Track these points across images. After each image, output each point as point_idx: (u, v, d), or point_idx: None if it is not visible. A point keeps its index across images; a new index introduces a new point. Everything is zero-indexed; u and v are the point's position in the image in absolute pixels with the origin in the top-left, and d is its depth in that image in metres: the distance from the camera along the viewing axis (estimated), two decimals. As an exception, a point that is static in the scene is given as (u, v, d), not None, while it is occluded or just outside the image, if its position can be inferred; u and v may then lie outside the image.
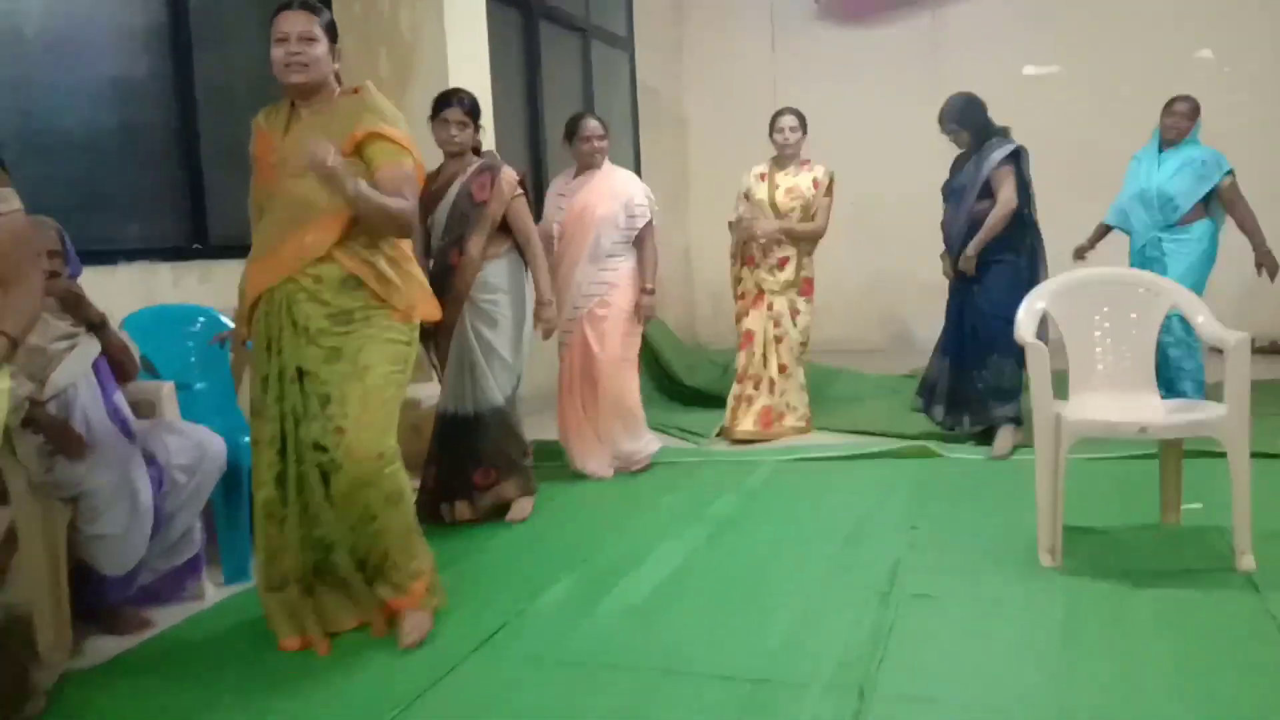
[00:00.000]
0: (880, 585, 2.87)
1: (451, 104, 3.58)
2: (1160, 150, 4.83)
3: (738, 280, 5.00)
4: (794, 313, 4.87)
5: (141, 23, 3.74)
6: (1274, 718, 2.07)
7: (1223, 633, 2.46)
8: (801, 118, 4.91)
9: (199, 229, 3.86)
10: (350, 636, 2.67)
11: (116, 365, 2.87)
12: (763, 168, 4.96)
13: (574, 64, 6.84)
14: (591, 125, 4.20)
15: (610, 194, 4.17)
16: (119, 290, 3.38)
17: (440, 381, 3.71)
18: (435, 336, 3.59)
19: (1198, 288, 4.56)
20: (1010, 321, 4.26)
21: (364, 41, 4.61)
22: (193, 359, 3.44)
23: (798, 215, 4.81)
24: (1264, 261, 4.74)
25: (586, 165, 4.23)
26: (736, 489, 4.02)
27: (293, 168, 2.48)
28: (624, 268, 4.20)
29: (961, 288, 4.50)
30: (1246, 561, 2.81)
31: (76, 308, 2.75)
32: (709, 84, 8.30)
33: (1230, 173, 4.68)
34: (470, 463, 3.63)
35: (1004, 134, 4.43)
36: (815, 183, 4.84)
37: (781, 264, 4.87)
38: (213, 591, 3.05)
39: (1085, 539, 3.12)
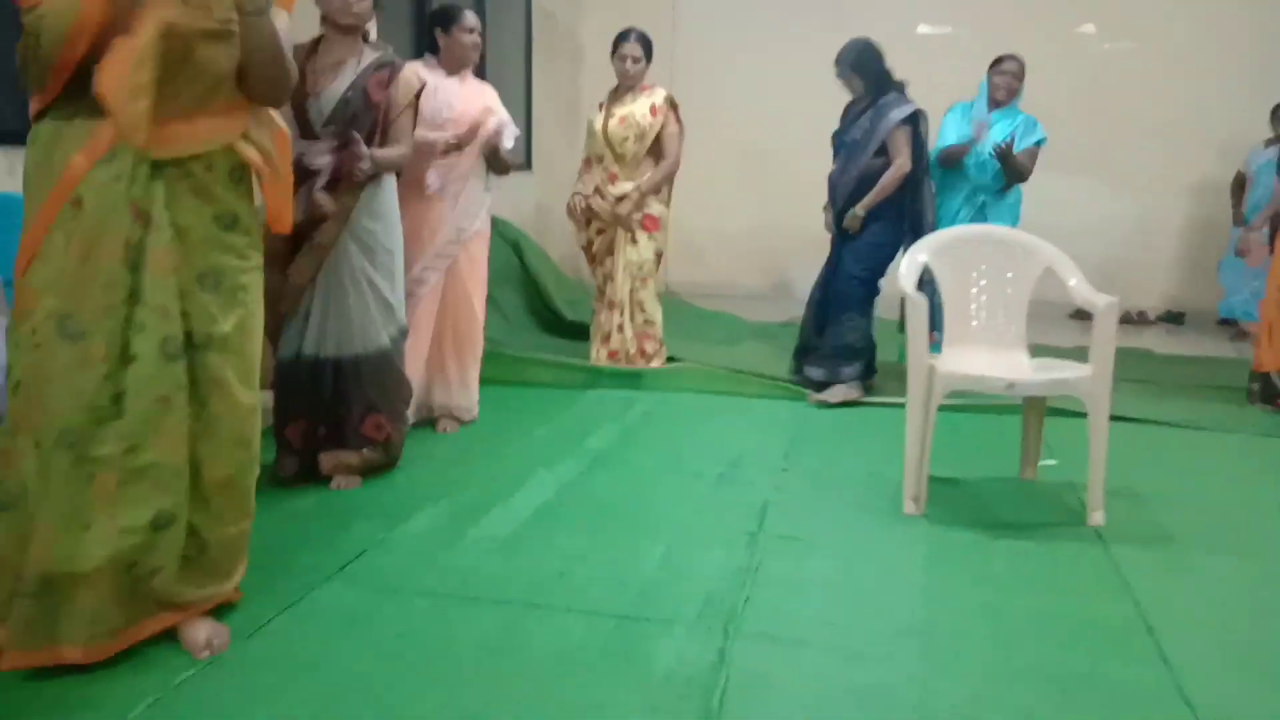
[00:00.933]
0: (749, 526, 2.87)
1: None
2: (988, 110, 4.79)
3: (589, 244, 4.74)
4: (632, 244, 4.62)
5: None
6: (1112, 658, 2.16)
7: (1072, 582, 2.56)
8: (647, 44, 4.52)
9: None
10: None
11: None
12: (603, 98, 4.68)
13: (468, -22, 6.52)
14: (472, 18, 3.75)
15: (496, 106, 3.80)
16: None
17: (285, 316, 3.07)
18: (286, 258, 3.01)
19: None
20: (868, 282, 4.40)
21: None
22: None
23: (631, 144, 4.49)
24: None
25: (463, 62, 3.74)
26: (613, 422, 3.97)
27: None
28: (485, 211, 3.86)
29: (840, 243, 4.50)
30: (1097, 518, 2.93)
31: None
32: (607, 14, 8.05)
33: (1040, 142, 4.74)
34: (353, 409, 3.10)
35: (901, 89, 4.38)
36: (653, 109, 4.49)
37: (619, 201, 4.58)
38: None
39: (948, 489, 3.20)
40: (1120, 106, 7.10)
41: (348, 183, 3.00)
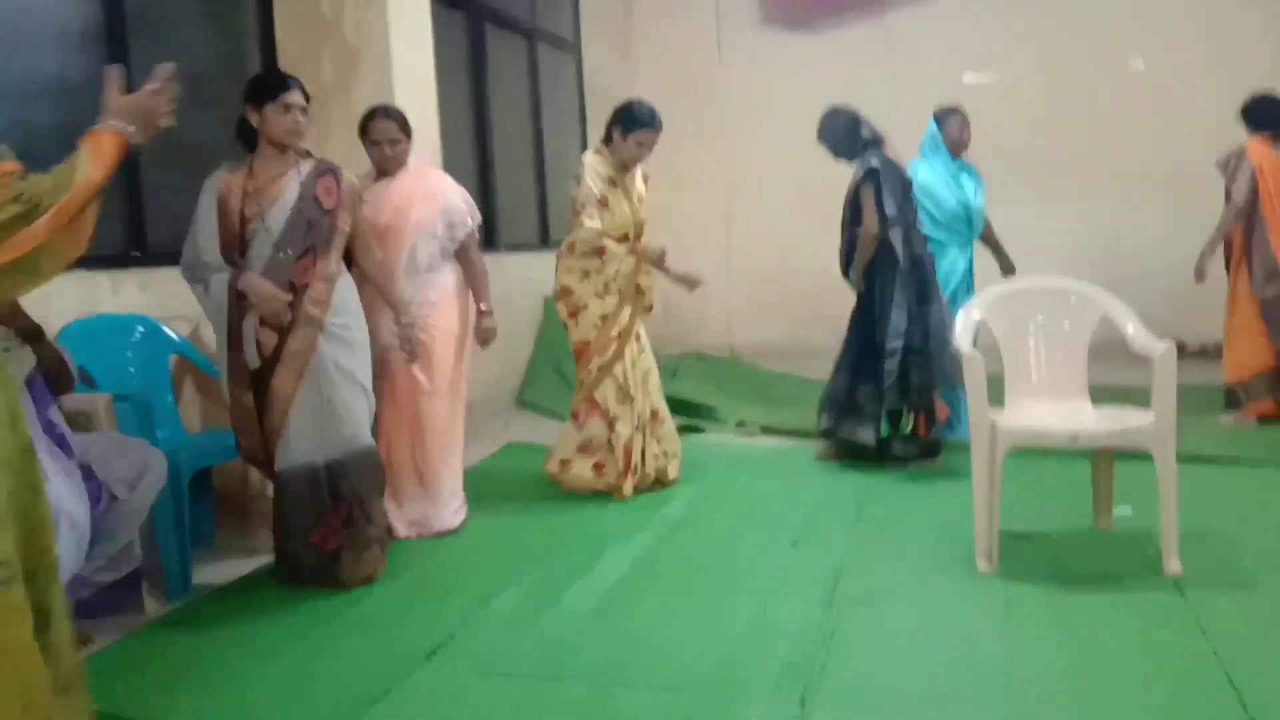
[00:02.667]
0: (823, 589, 2.93)
1: (290, 87, 3.06)
2: (950, 161, 4.72)
3: (604, 319, 4.00)
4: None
5: (77, 22, 3.65)
6: (1192, 711, 2.16)
7: (1150, 634, 2.56)
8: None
9: (138, 235, 3.79)
10: (298, 647, 2.66)
11: (52, 378, 2.80)
12: (606, 168, 4.04)
13: (520, 67, 6.82)
14: (382, 126, 3.59)
15: (424, 198, 3.61)
16: (56, 299, 3.30)
17: (267, 430, 3.06)
18: (270, 372, 3.01)
19: None
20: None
21: (307, 43, 4.55)
22: (132, 369, 3.38)
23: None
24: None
25: (383, 171, 3.65)
26: (687, 491, 4.06)
27: None
28: (446, 283, 3.65)
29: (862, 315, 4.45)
30: (1173, 566, 2.91)
31: (11, 319, 2.68)
32: (657, 86, 8.28)
33: None
34: (358, 508, 3.12)
35: (872, 147, 4.34)
36: (647, 181, 4.26)
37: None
38: (154, 606, 3.01)
39: (1021, 544, 3.21)
40: (1178, 136, 7.05)
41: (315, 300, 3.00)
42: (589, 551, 3.35)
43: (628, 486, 3.98)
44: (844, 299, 6.43)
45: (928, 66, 7.38)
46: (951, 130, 4.70)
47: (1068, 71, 7.20)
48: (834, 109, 4.48)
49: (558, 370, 6.02)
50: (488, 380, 5.70)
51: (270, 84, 3.08)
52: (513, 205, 6.41)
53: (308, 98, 3.10)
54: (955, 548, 3.17)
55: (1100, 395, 3.29)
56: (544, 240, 6.83)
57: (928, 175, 4.66)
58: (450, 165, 5.00)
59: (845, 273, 4.44)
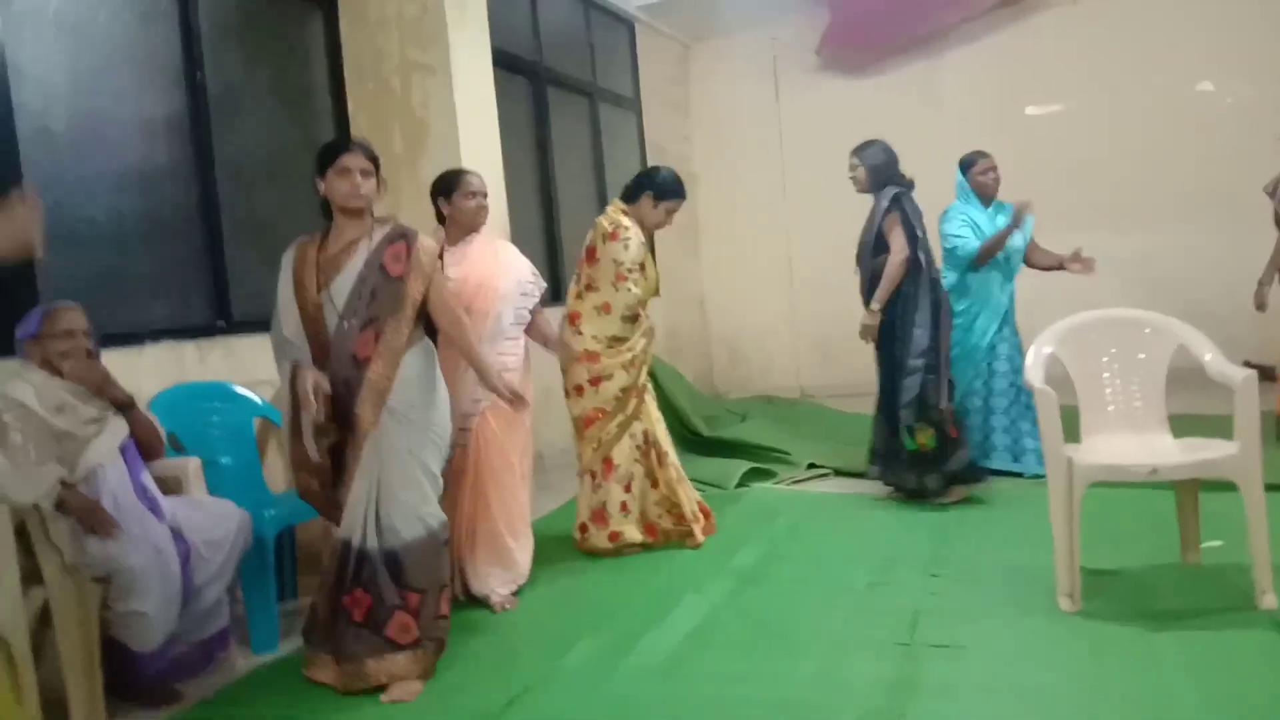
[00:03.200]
0: (901, 635, 2.88)
1: (347, 150, 2.90)
2: (985, 207, 4.75)
3: (625, 391, 3.96)
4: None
5: (163, 112, 3.89)
6: (1298, 759, 2.07)
7: (1247, 674, 2.46)
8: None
9: (222, 307, 3.98)
10: (374, 706, 2.71)
11: (144, 444, 2.96)
12: (637, 232, 4.04)
13: (583, 127, 7.00)
14: (476, 180, 3.61)
15: (505, 266, 3.60)
16: (147, 370, 3.48)
17: (333, 506, 2.90)
18: (338, 450, 2.86)
19: None
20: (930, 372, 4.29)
21: (377, 119, 4.76)
22: (217, 434, 3.52)
23: None
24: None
25: (469, 228, 3.59)
26: (758, 538, 4.04)
27: None
28: (520, 352, 3.61)
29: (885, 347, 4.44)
30: (1268, 600, 2.80)
31: (104, 390, 2.84)
32: (716, 139, 8.45)
33: None
34: (406, 600, 2.84)
35: (904, 183, 4.41)
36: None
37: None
38: (242, 662, 3.10)
39: (1105, 581, 3.12)
40: (1250, 156, 6.88)
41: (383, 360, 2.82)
42: (660, 604, 3.34)
43: (699, 533, 4.01)
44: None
45: (980, 106, 7.37)
46: (978, 176, 4.73)
47: (1122, 103, 7.10)
48: (882, 142, 4.53)
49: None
50: (557, 432, 5.78)
51: (329, 149, 2.93)
52: (578, 259, 6.53)
53: (375, 161, 2.93)
54: (1036, 588, 3.10)
55: (1177, 425, 3.21)
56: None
57: (965, 218, 4.70)
58: (517, 223, 5.15)
59: (867, 303, 4.45)
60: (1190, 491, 3.21)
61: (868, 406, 6.60)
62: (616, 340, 3.94)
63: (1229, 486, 2.83)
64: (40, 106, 3.39)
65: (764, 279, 8.25)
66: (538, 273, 3.72)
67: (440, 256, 2.98)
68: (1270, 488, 2.88)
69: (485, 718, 2.57)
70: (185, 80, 3.95)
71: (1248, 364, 5.06)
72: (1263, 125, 6.82)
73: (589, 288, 4.00)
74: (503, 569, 3.51)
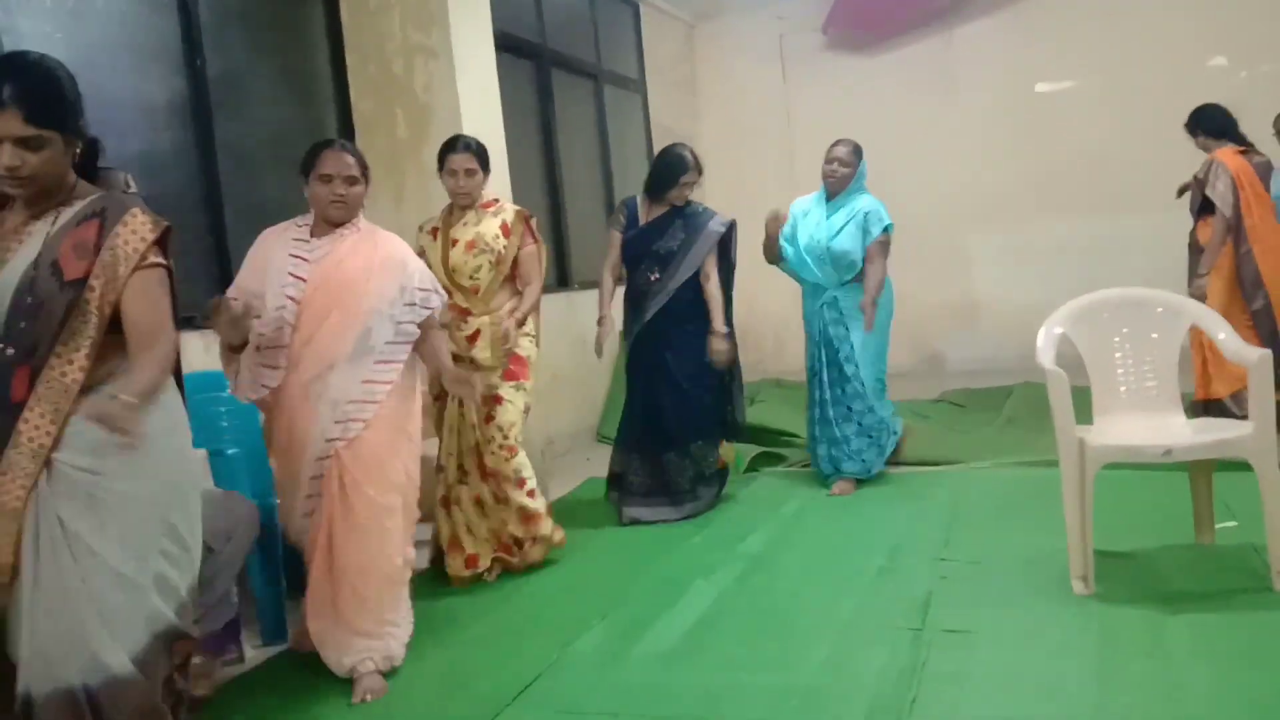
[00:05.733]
0: (912, 620, 2.86)
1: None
2: (827, 200, 4.43)
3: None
4: (495, 401, 3.55)
5: (164, 98, 3.86)
6: (1315, 744, 2.04)
7: (1262, 657, 2.43)
8: (480, 153, 3.61)
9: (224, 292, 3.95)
10: (392, 682, 2.71)
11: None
12: (435, 221, 3.71)
13: (587, 109, 6.95)
14: (334, 159, 2.84)
15: (382, 265, 2.84)
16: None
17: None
18: None
19: (883, 346, 4.44)
20: (709, 394, 4.16)
21: (380, 105, 4.72)
22: (224, 424, 3.50)
23: (485, 274, 3.58)
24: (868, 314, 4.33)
25: (334, 218, 2.86)
26: (768, 523, 4.02)
27: None
28: (394, 379, 2.81)
29: (646, 363, 4.21)
30: (1283, 581, 2.78)
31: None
32: (723, 119, 8.39)
33: (887, 229, 4.32)
34: None
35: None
36: (505, 228, 3.62)
37: (472, 340, 3.57)
38: (251, 652, 3.10)
39: (1119, 563, 3.10)
40: (1265, 134, 6.80)
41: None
42: (671, 588, 3.33)
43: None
44: (916, 318, 6.28)
45: (990, 84, 7.29)
46: (822, 169, 4.42)
47: (1135, 80, 7.02)
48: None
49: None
50: (567, 416, 5.76)
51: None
52: (584, 243, 6.49)
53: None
54: (1048, 572, 3.07)
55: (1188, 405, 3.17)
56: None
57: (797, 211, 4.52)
58: (522, 205, 5.12)
59: (636, 325, 4.26)
60: (1204, 472, 3.17)
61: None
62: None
63: (1244, 466, 2.80)
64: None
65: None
66: (437, 283, 2.99)
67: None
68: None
69: (497, 705, 2.57)
70: (186, 66, 3.92)
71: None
72: (1277, 102, 6.75)
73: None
74: (367, 640, 2.76)
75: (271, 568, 3.17)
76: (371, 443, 2.77)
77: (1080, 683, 2.39)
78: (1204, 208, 4.62)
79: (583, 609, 3.21)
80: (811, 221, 4.45)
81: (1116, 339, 3.27)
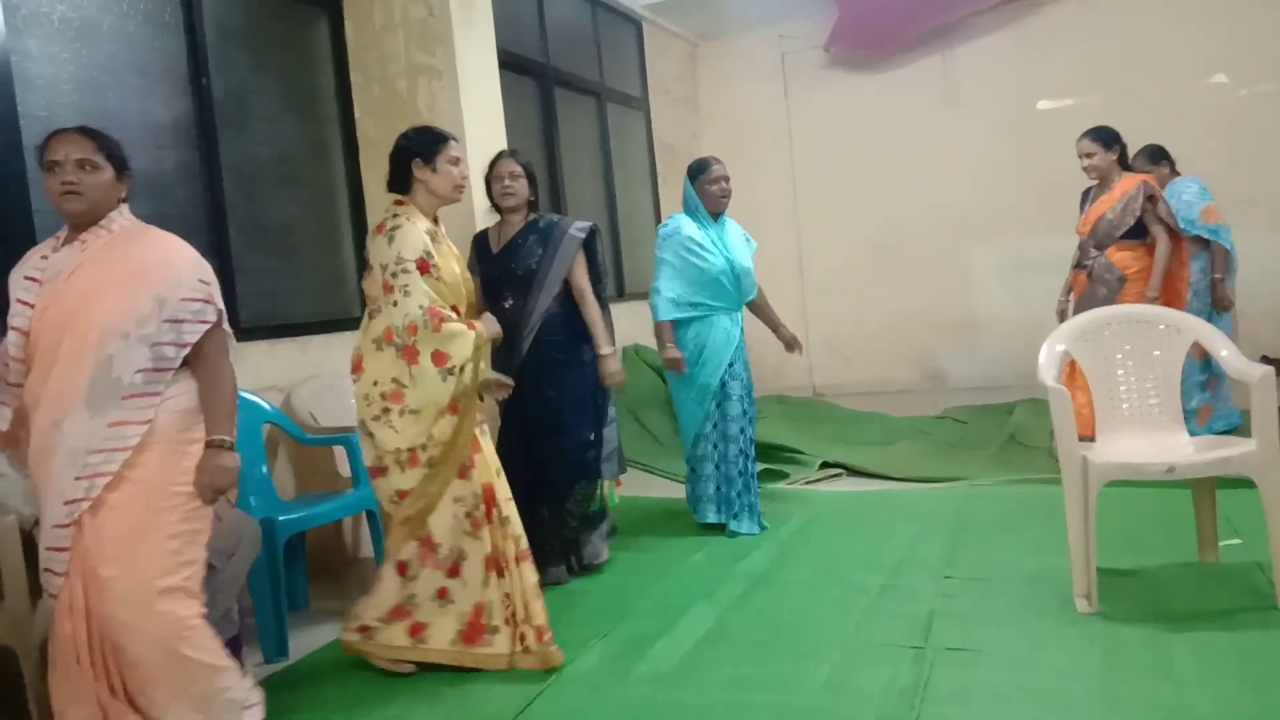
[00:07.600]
0: (915, 639, 2.85)
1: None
2: (713, 220, 4.22)
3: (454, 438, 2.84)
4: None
5: (169, 118, 3.89)
6: (1320, 765, 2.03)
7: (1267, 676, 2.42)
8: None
9: (230, 312, 3.95)
10: (387, 710, 2.70)
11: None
12: (414, 223, 2.91)
13: (591, 127, 6.99)
14: (78, 141, 2.27)
15: (130, 274, 2.25)
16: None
17: None
18: None
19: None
20: (587, 431, 3.66)
21: (385, 124, 4.74)
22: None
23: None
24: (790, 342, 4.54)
25: (70, 213, 2.28)
26: (770, 540, 4.01)
27: None
28: (159, 417, 2.23)
29: (526, 403, 3.58)
30: (1287, 599, 2.77)
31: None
32: (725, 136, 8.42)
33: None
34: None
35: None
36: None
37: None
38: (253, 670, 3.08)
39: (1122, 581, 3.09)
40: (1265, 152, 6.82)
41: None
42: (671, 608, 3.32)
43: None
44: (917, 335, 6.29)
45: (992, 102, 7.32)
46: (706, 185, 4.20)
47: (1135, 98, 7.04)
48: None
49: (638, 420, 6.06)
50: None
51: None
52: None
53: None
54: (1051, 590, 3.07)
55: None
56: (620, 293, 6.94)
57: (680, 243, 4.15)
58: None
59: (518, 355, 3.66)
60: (1207, 490, 3.17)
61: (882, 405, 6.65)
62: (400, 385, 2.77)
63: (1247, 484, 2.80)
64: (46, 114, 3.38)
65: (775, 277, 8.16)
66: (216, 291, 2.38)
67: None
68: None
69: (496, 725, 2.56)
70: (191, 86, 3.95)
71: (1265, 359, 5.02)
72: (1277, 120, 6.77)
73: (371, 314, 2.89)
74: None
75: (274, 585, 3.17)
76: (123, 507, 2.16)
77: (1084, 702, 2.38)
78: (1133, 233, 4.55)
79: (584, 629, 3.20)
80: (722, 243, 4.20)
81: (1119, 356, 3.27)
